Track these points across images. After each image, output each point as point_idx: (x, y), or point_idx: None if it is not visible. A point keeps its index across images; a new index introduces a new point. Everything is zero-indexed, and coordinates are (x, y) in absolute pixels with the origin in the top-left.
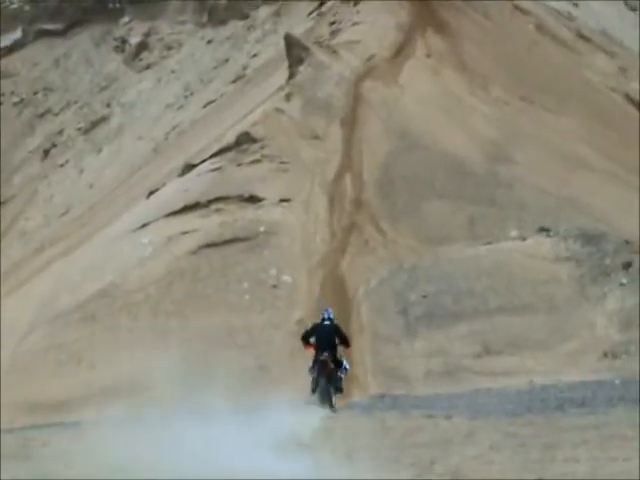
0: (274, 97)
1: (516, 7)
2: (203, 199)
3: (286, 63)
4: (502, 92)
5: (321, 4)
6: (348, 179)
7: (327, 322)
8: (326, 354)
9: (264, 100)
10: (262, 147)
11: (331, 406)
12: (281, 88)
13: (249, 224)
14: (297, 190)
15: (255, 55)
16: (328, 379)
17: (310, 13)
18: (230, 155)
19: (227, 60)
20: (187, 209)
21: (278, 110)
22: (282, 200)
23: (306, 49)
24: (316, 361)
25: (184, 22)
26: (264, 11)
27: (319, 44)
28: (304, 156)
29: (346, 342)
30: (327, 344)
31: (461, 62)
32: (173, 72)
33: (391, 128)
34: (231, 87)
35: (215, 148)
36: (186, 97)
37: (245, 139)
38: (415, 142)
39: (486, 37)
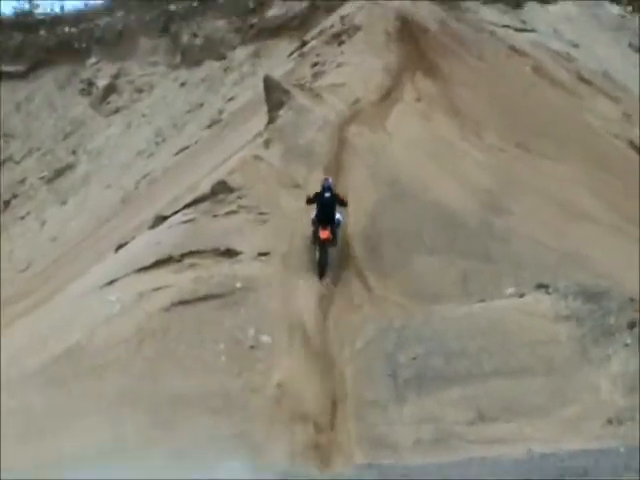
0: (252, 143)
1: (512, 48)
2: (176, 253)
3: (265, 107)
4: (497, 138)
5: (303, 44)
6: None
7: (327, 194)
8: (327, 231)
9: (241, 147)
10: (239, 197)
11: (321, 277)
12: (260, 134)
13: (225, 280)
14: (277, 243)
15: (232, 98)
16: (323, 252)
17: (291, 54)
18: (205, 206)
19: (202, 104)
20: (158, 264)
21: (256, 157)
22: (260, 254)
23: (286, 92)
24: (316, 236)
25: (156, 63)
26: (242, 52)
27: (301, 87)
28: (284, 206)
29: (344, 203)
30: (327, 217)
31: (453, 106)
32: (144, 116)
33: (378, 176)
34: (206, 133)
35: (189, 198)
36: (157, 143)
37: (221, 188)
38: (404, 191)
39: (480, 80)
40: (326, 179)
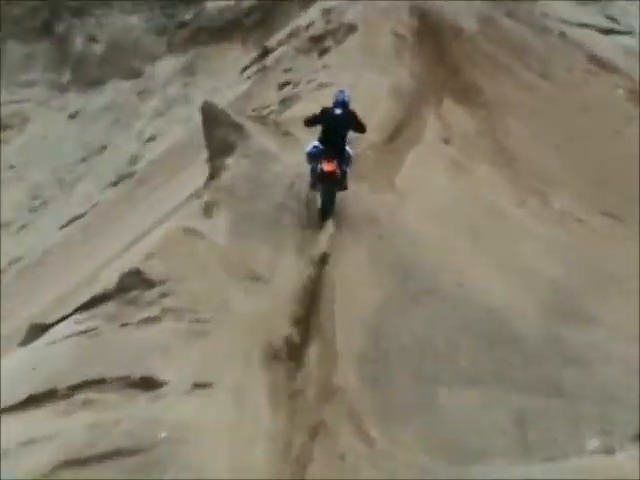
0: (184, 209)
1: (594, 59)
2: (62, 385)
3: (204, 152)
4: (571, 202)
5: (264, 54)
6: (312, 350)
7: (339, 111)
8: (332, 163)
9: (167, 214)
10: (164, 295)
11: (323, 219)
12: (196, 194)
13: (141, 427)
14: (223, 369)
15: (151, 138)
16: (327, 193)
17: (245, 68)
18: (109, 308)
19: (104, 147)
20: (35, 401)
21: (191, 232)
22: (197, 385)
23: (238, 128)
24: (317, 173)
25: (31, 83)
26: (167, 65)
27: (262, 120)
28: (235, 309)
29: (361, 128)
30: (335, 145)
31: (501, 151)
32: (12, 167)
33: (384, 261)
34: (111, 192)
35: (83, 297)
36: (34, 210)
37: (134, 282)
38: (423, 284)
39: (542, 110)
40: (341, 91)
